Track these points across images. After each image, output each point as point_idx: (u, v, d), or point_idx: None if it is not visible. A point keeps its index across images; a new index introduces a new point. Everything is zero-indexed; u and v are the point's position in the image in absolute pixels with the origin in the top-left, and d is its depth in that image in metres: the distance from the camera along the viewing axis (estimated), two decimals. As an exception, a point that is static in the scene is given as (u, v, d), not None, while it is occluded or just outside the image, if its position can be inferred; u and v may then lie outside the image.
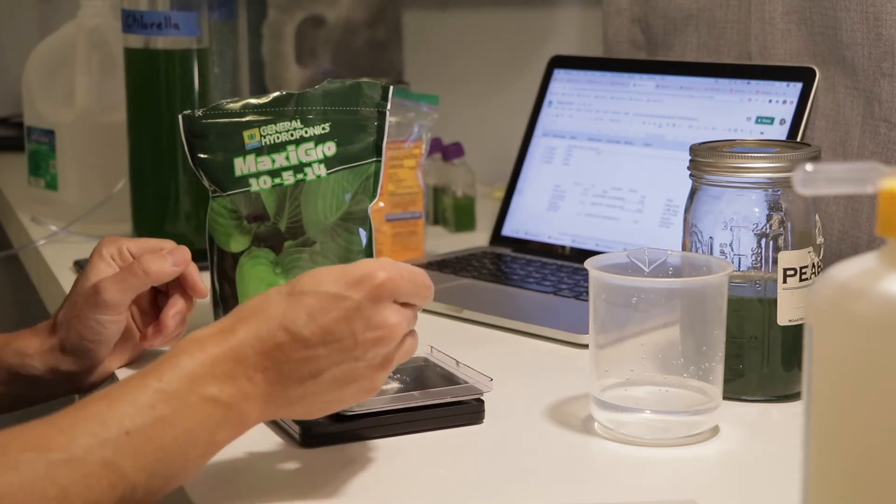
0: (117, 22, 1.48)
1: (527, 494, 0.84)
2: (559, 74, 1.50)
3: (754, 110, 1.30)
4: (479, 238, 1.59)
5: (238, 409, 0.78)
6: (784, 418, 0.96)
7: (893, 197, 0.55)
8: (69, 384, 1.05)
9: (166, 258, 1.05)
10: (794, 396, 0.98)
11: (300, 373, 0.79)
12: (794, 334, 0.97)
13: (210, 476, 0.86)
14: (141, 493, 0.75)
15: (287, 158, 1.07)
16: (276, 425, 0.93)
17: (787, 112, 1.27)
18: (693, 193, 1.00)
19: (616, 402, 0.92)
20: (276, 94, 1.09)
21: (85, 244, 1.49)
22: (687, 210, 1.01)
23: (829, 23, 1.28)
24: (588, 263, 0.92)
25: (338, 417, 0.91)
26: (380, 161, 1.09)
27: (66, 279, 1.39)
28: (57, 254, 1.51)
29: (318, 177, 1.07)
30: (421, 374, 0.99)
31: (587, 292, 0.94)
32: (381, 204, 1.45)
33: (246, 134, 1.07)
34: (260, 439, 0.92)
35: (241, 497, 0.83)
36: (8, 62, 2.28)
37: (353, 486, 0.85)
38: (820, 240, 0.99)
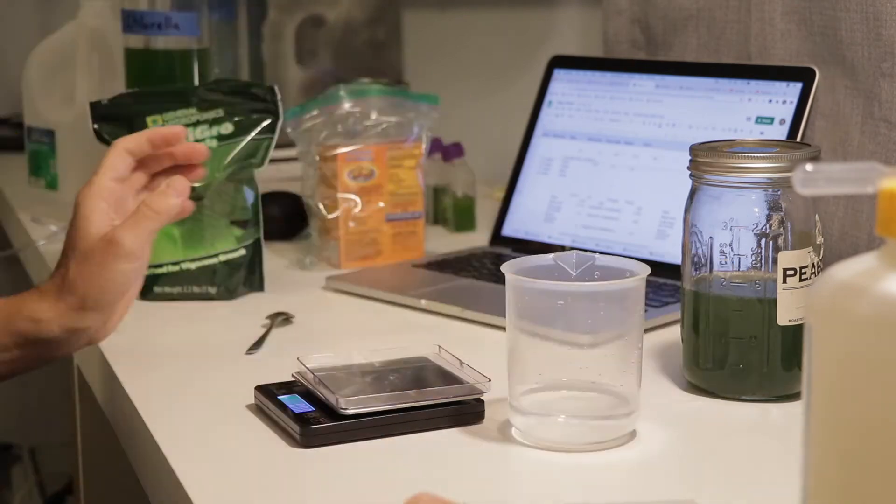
0: (118, 22, 1.48)
1: (528, 494, 0.84)
2: (559, 74, 1.50)
3: (754, 110, 1.30)
4: (479, 238, 1.59)
5: None
6: (784, 418, 0.96)
7: (893, 197, 0.55)
8: (86, 339, 1.07)
9: (169, 194, 1.08)
10: (794, 396, 0.98)
11: None
12: (794, 334, 0.97)
13: (210, 476, 0.86)
14: None
15: (187, 138, 1.20)
16: (276, 425, 0.93)
17: (787, 112, 1.27)
18: (693, 193, 1.00)
19: (532, 409, 0.90)
20: (178, 86, 1.35)
21: (85, 244, 1.48)
22: (687, 210, 1.01)
23: (828, 23, 1.28)
24: (504, 268, 0.90)
25: (338, 417, 0.91)
26: (272, 137, 1.27)
27: (67, 279, 1.39)
28: (57, 254, 1.49)
29: (210, 148, 1.22)
30: (421, 374, 0.99)
31: (587, 292, 0.93)
32: (381, 204, 1.45)
33: (150, 119, 1.26)
34: (260, 439, 0.92)
35: (241, 497, 0.83)
36: (8, 62, 2.28)
37: (353, 486, 0.85)
38: (820, 240, 0.99)
